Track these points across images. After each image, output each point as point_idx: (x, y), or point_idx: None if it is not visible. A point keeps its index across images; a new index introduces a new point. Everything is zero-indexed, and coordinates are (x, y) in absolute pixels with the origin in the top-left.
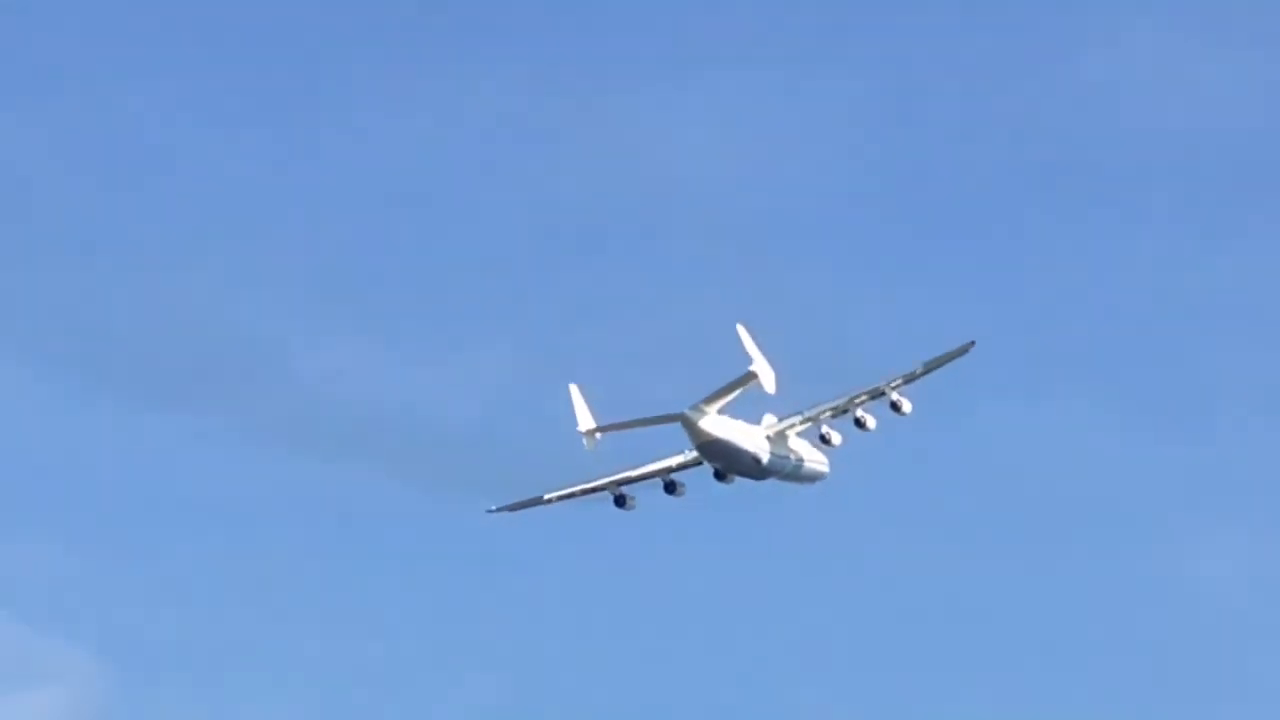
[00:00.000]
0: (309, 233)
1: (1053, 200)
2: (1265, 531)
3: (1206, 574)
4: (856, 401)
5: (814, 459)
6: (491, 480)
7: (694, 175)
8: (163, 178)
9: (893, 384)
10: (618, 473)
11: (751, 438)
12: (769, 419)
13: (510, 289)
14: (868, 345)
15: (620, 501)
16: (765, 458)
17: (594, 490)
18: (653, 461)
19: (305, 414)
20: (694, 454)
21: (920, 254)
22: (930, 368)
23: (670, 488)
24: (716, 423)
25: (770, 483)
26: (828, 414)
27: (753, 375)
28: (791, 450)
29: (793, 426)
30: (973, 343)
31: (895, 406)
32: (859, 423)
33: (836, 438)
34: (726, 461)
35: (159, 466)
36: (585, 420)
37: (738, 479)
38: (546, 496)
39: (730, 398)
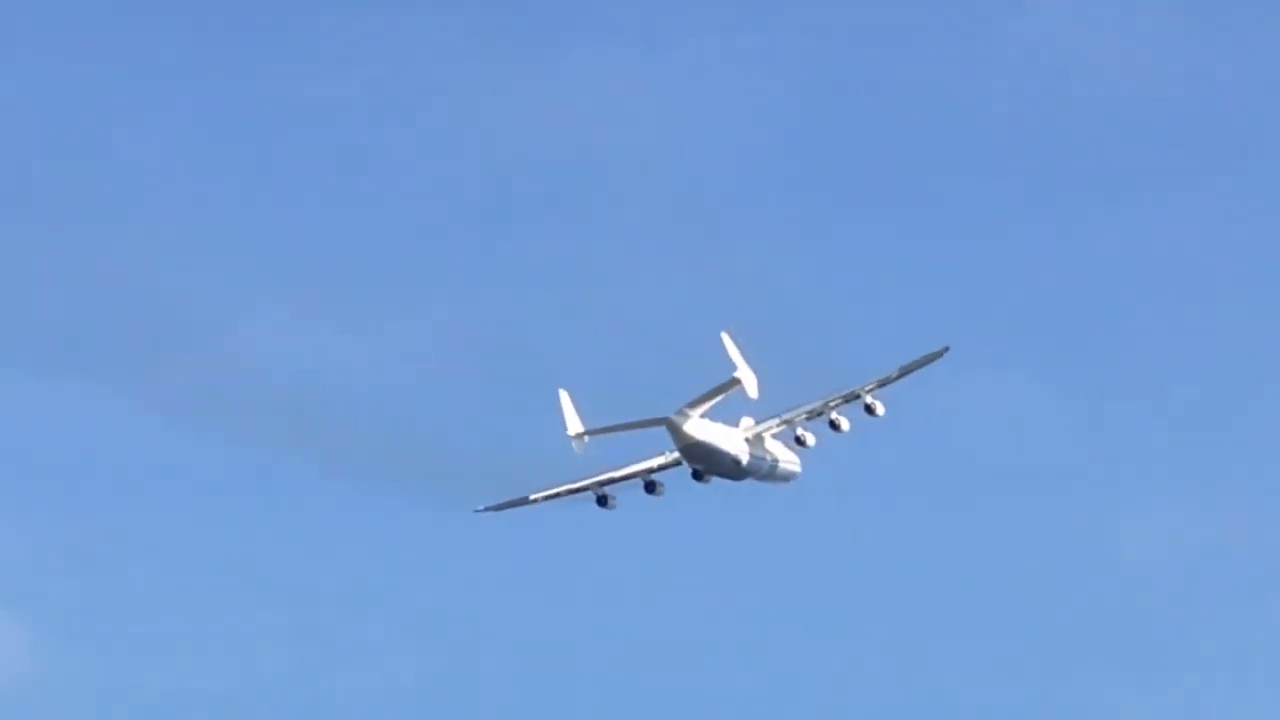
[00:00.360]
0: (244, 198)
1: (995, 173)
2: (1210, 501)
3: (1157, 546)
4: (831, 404)
5: (788, 459)
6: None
7: (640, 143)
8: (92, 140)
9: (867, 388)
10: (602, 473)
11: (732, 440)
12: (747, 421)
13: (451, 257)
14: (814, 315)
15: (602, 501)
16: (745, 459)
17: (578, 490)
18: (635, 462)
19: (244, 388)
20: (675, 455)
21: (864, 227)
22: (905, 372)
23: (650, 487)
24: (700, 426)
25: (746, 482)
26: (803, 416)
27: (736, 381)
28: (768, 451)
29: (770, 429)
30: (947, 348)
31: (869, 409)
32: (833, 425)
33: (811, 439)
34: (708, 463)
35: (92, 441)
36: (574, 424)
37: (715, 479)
38: (532, 496)
39: (714, 402)
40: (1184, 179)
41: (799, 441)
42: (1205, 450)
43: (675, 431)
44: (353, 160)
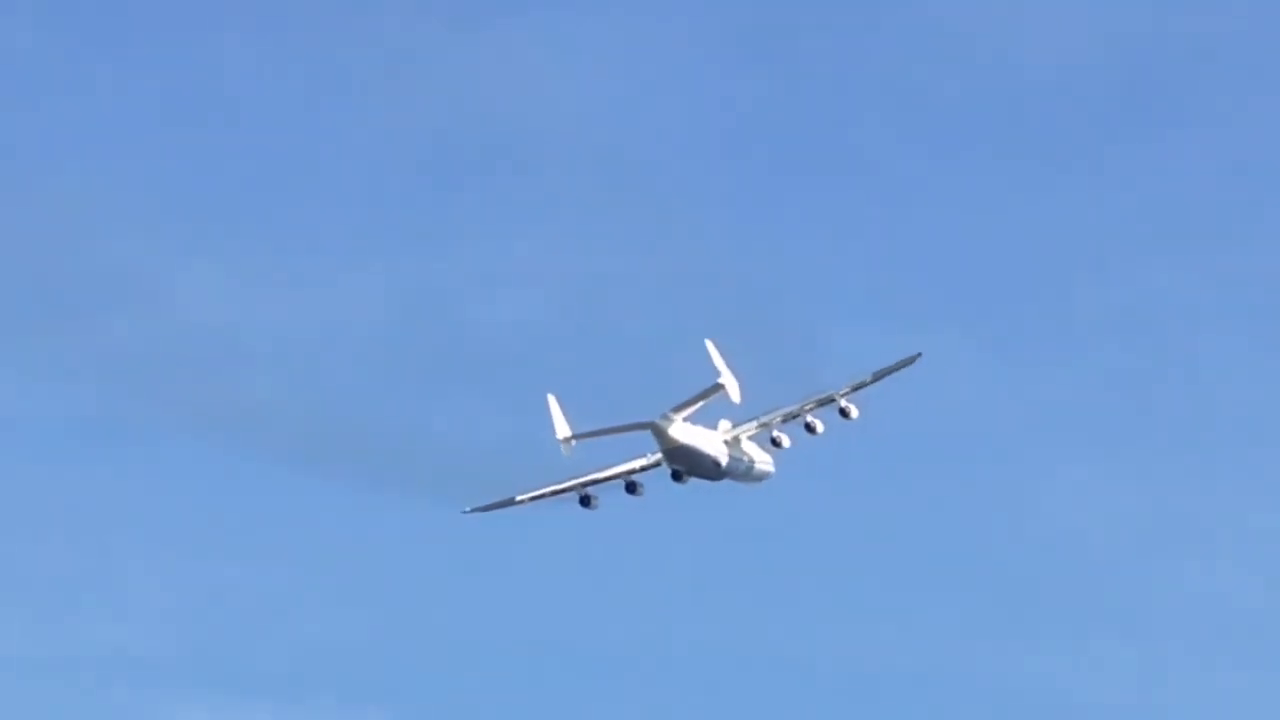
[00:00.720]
0: (173, 160)
1: (919, 133)
2: (1135, 464)
3: (1081, 509)
4: (807, 408)
5: (763, 460)
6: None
7: (567, 106)
8: (23, 100)
9: (842, 392)
10: (586, 474)
11: (713, 443)
12: (724, 424)
13: (384, 218)
14: (747, 276)
15: (585, 501)
16: (725, 461)
17: (562, 491)
18: (617, 464)
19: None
20: (656, 456)
21: (793, 190)
22: (879, 377)
23: (631, 488)
24: (684, 430)
25: (722, 482)
26: (779, 419)
27: (720, 386)
28: (745, 453)
29: (747, 431)
30: (919, 354)
31: (844, 412)
32: (809, 427)
33: (786, 441)
34: (689, 464)
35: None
36: (562, 428)
37: (693, 479)
38: (518, 498)
39: (697, 407)
40: (1119, 144)
41: (774, 443)
42: (1144, 415)
43: (660, 435)
44: (287, 121)
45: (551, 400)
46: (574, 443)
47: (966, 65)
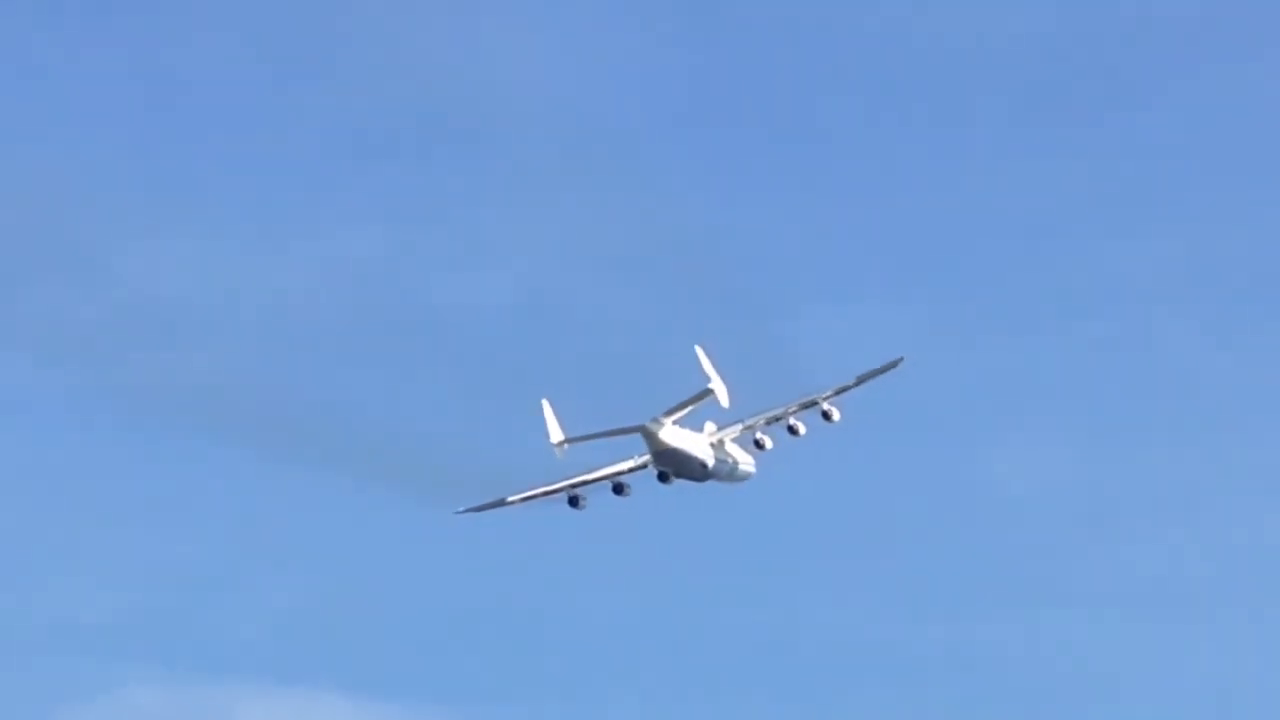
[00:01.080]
0: (138, 131)
1: (883, 108)
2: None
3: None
4: (790, 411)
5: (745, 461)
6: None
7: (522, 81)
8: None
9: (825, 395)
10: (575, 475)
11: (700, 446)
12: (709, 426)
13: (340, 194)
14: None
15: (574, 502)
16: (711, 463)
17: (552, 492)
18: (607, 465)
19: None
20: (644, 458)
21: (755, 163)
22: (861, 380)
23: (618, 489)
24: (673, 433)
25: (706, 483)
26: (763, 422)
27: (709, 392)
28: (729, 455)
29: (732, 434)
30: (901, 358)
31: (826, 415)
32: (791, 430)
33: (769, 443)
34: (677, 467)
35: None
36: (556, 432)
37: (678, 480)
38: (510, 499)
39: (686, 411)
40: (1074, 113)
41: (758, 445)
42: (1097, 385)
43: (650, 438)
44: (248, 95)
45: (546, 405)
46: (567, 446)
47: (927, 40)
